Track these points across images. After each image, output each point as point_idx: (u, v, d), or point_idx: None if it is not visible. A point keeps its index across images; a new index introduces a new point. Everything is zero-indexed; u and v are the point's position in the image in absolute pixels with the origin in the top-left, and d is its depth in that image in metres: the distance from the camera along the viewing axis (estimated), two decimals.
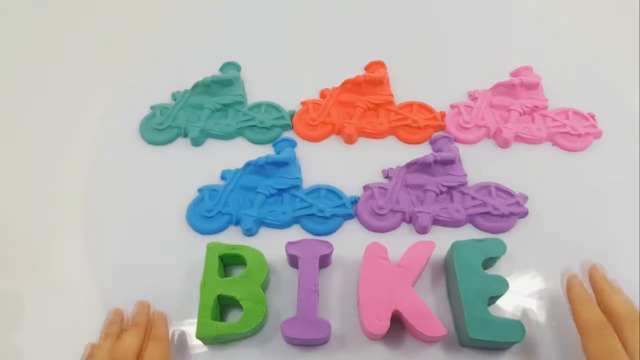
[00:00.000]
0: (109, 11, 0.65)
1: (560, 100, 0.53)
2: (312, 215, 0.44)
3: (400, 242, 0.41)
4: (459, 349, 0.37)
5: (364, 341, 0.38)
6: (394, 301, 0.36)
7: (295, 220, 0.44)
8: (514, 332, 0.35)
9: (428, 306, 0.36)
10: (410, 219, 0.44)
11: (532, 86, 0.53)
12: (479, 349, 0.37)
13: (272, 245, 0.41)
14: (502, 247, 0.39)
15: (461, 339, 0.37)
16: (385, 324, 0.35)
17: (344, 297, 0.40)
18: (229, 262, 0.41)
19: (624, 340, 0.33)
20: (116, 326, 0.37)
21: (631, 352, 0.32)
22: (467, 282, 0.37)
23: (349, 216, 0.44)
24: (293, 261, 0.40)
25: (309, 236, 0.43)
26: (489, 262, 0.40)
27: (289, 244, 0.40)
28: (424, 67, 0.58)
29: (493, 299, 0.38)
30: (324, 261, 0.41)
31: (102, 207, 0.46)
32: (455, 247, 0.39)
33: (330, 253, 0.40)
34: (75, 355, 0.36)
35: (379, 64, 0.56)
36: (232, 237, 0.43)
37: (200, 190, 0.46)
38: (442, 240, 0.41)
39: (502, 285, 0.37)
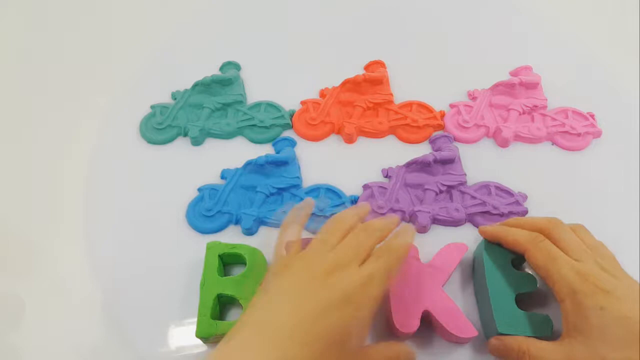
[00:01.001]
0: (109, 11, 0.65)
1: (559, 100, 0.53)
2: (312, 214, 0.44)
3: None
4: (484, 348, 0.37)
5: (370, 338, 0.38)
6: (425, 301, 0.36)
7: None
8: (542, 326, 0.35)
9: (458, 307, 0.36)
10: (409, 218, 0.44)
11: (532, 85, 0.53)
12: None
13: (272, 244, 0.41)
14: None
15: (489, 334, 0.37)
16: (415, 323, 0.35)
17: None
18: (228, 261, 0.41)
19: (559, 243, 0.35)
20: (363, 209, 0.38)
21: (569, 249, 0.34)
22: (496, 278, 0.37)
23: None
24: None
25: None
26: (519, 261, 0.40)
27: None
28: (423, 66, 0.58)
29: (521, 296, 0.37)
30: None
31: (102, 207, 0.46)
32: (486, 243, 0.39)
33: None
34: (75, 356, 0.36)
35: (378, 64, 0.56)
36: (231, 237, 0.43)
37: (200, 189, 0.46)
38: (441, 239, 0.41)
39: (530, 283, 0.37)
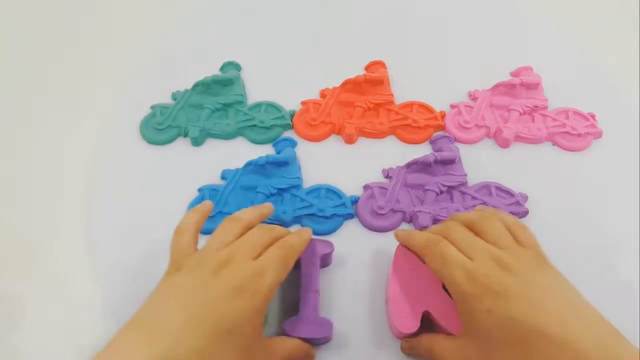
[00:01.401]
0: (109, 11, 0.65)
1: (560, 100, 0.53)
2: (313, 214, 0.44)
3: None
4: None
5: (365, 340, 0.38)
6: (425, 302, 0.36)
7: (296, 220, 0.44)
8: None
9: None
10: (410, 219, 0.44)
11: (532, 86, 0.53)
12: None
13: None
14: None
15: None
16: (416, 323, 0.35)
17: (344, 297, 0.40)
18: None
19: (455, 244, 0.33)
20: (263, 210, 0.38)
21: (463, 248, 0.33)
22: None
23: (349, 216, 0.44)
24: None
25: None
26: None
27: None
28: (424, 66, 0.58)
29: None
30: (325, 260, 0.41)
31: (102, 207, 0.46)
32: None
33: (331, 252, 0.40)
34: (75, 356, 0.36)
35: (379, 64, 0.56)
36: None
37: (200, 190, 0.46)
38: None
39: None
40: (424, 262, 0.36)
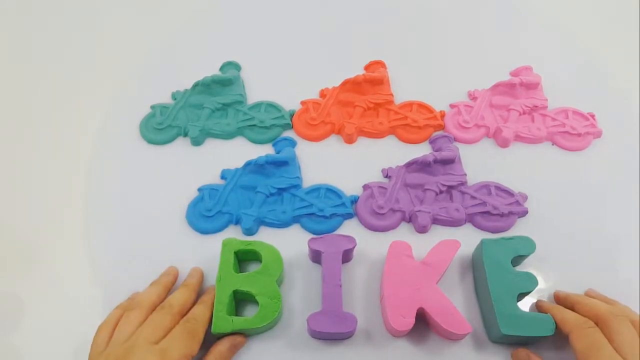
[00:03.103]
0: (110, 11, 0.65)
1: (560, 100, 0.53)
2: (312, 214, 0.44)
3: None
4: (483, 347, 0.38)
5: (361, 337, 0.38)
6: (419, 299, 0.36)
7: (295, 220, 0.44)
8: (545, 326, 0.35)
9: (453, 304, 0.36)
10: (409, 219, 0.44)
11: (532, 86, 0.53)
12: (504, 345, 0.38)
13: (271, 244, 0.41)
14: (531, 245, 0.39)
15: (491, 335, 0.37)
16: (410, 321, 0.35)
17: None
18: (243, 258, 0.41)
19: (613, 335, 0.33)
20: (168, 278, 0.40)
21: (621, 344, 0.32)
22: (497, 279, 0.37)
23: (349, 215, 0.44)
24: (316, 256, 0.41)
25: (309, 235, 0.43)
26: (516, 260, 0.40)
27: (312, 239, 0.40)
28: (424, 66, 0.58)
29: (522, 296, 0.38)
30: (346, 256, 0.41)
31: (102, 207, 0.46)
32: (485, 244, 0.39)
33: (353, 248, 0.40)
34: (75, 355, 0.36)
35: (379, 64, 0.56)
36: (231, 236, 0.43)
37: (200, 189, 0.46)
38: (441, 239, 0.41)
39: (531, 282, 0.38)
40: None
